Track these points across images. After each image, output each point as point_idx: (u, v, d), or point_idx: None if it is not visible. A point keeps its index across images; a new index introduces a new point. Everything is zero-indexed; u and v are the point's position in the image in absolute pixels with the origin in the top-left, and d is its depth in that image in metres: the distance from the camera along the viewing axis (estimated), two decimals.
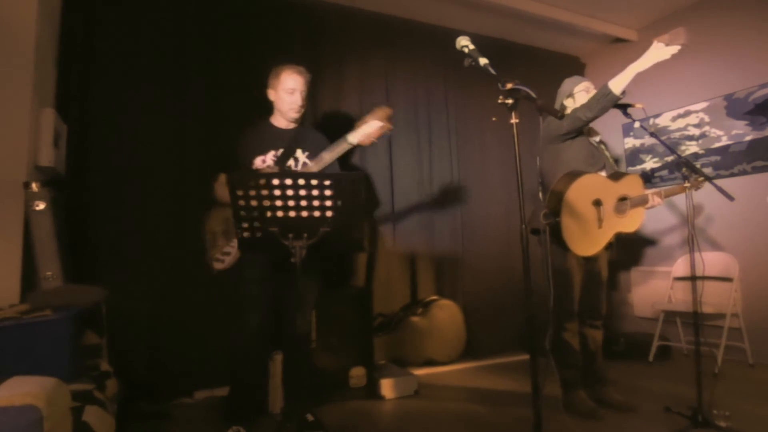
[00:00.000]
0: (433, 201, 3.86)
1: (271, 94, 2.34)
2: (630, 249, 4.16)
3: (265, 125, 2.39)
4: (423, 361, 3.43)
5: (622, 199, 2.42)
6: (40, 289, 2.04)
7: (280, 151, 2.31)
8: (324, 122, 3.48)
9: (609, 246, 2.44)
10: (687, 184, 2.32)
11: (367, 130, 2.09)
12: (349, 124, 3.57)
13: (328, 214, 1.70)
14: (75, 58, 2.74)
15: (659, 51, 2.17)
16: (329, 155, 2.13)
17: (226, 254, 2.27)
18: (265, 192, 1.64)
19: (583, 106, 2.37)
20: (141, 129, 2.92)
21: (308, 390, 2.40)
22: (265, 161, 2.29)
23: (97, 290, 2.09)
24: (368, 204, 3.53)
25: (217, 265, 2.28)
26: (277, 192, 1.65)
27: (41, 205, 2.08)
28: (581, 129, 2.41)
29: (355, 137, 2.13)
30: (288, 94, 2.26)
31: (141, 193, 2.87)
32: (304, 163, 2.31)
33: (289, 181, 1.64)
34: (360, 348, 2.90)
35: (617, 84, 2.27)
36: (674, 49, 2.13)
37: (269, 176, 1.64)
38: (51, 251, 2.09)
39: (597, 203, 2.35)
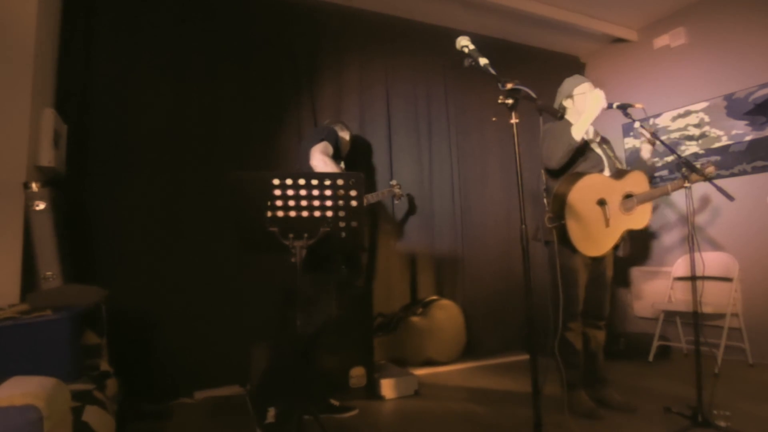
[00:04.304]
0: (433, 201, 3.86)
1: (347, 134, 2.81)
2: (630, 249, 4.15)
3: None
4: (423, 361, 3.43)
5: (627, 196, 2.42)
6: (40, 289, 2.04)
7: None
8: (323, 122, 3.47)
9: (617, 246, 2.44)
10: (687, 184, 2.31)
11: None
12: (349, 123, 3.59)
13: (328, 214, 1.70)
14: (75, 58, 2.74)
15: (597, 95, 2.34)
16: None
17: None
18: (277, 192, 1.66)
19: (551, 152, 2.39)
20: (140, 129, 2.92)
21: (315, 389, 2.44)
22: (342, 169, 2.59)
23: (97, 290, 2.09)
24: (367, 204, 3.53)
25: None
26: (277, 192, 1.65)
27: (41, 205, 2.08)
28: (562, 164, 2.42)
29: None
30: (346, 151, 2.82)
31: (141, 193, 2.87)
32: None
33: (289, 182, 1.64)
34: (360, 348, 2.90)
35: (578, 132, 2.33)
36: (601, 93, 2.35)
37: (269, 176, 1.65)
38: (51, 251, 2.10)
39: (601, 203, 2.35)
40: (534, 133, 2.37)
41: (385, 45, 3.81)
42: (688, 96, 3.87)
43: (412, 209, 3.79)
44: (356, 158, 3.52)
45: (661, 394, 2.68)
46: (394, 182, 3.31)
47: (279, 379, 2.34)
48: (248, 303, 3.01)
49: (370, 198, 3.05)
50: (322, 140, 2.39)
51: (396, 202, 3.32)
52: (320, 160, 2.32)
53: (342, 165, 2.63)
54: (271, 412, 2.21)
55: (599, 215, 2.35)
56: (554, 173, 2.46)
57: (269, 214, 1.69)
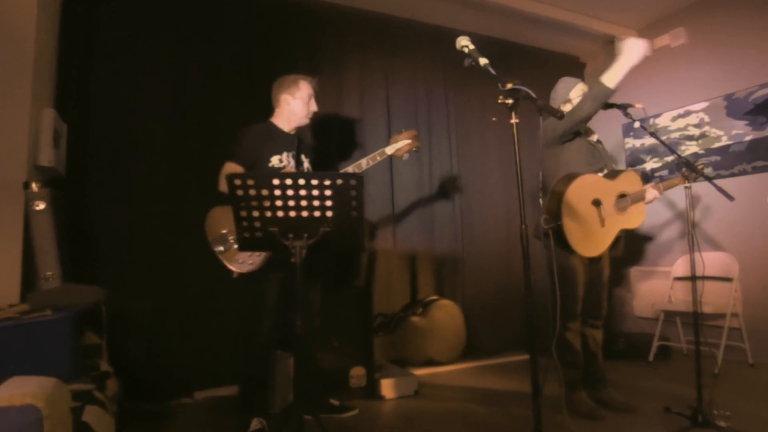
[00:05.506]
0: (433, 201, 3.86)
1: (285, 99, 2.42)
2: (630, 249, 4.16)
3: (272, 126, 2.44)
4: (423, 361, 3.43)
5: (622, 196, 2.43)
6: (40, 289, 2.04)
7: (291, 153, 2.41)
8: (324, 122, 3.47)
9: (614, 244, 2.44)
10: (687, 184, 2.32)
11: (400, 145, 2.42)
12: (349, 123, 3.61)
13: (328, 214, 1.70)
14: (75, 58, 2.74)
15: (636, 45, 2.21)
16: (366, 162, 2.36)
17: (254, 256, 2.24)
18: (265, 192, 1.65)
19: (577, 106, 2.38)
20: (141, 129, 2.92)
21: (314, 389, 2.44)
22: (282, 161, 2.37)
23: (97, 290, 2.08)
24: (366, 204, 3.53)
25: (242, 267, 2.23)
26: (277, 192, 1.65)
27: (41, 205, 2.08)
28: (578, 128, 2.41)
29: (390, 149, 2.42)
30: (307, 101, 2.43)
31: (141, 192, 2.87)
32: (308, 168, 2.50)
33: (289, 182, 1.64)
34: (360, 348, 2.90)
35: (611, 79, 2.24)
36: (643, 43, 2.20)
37: (270, 176, 1.64)
38: (51, 251, 2.09)
39: (596, 203, 2.35)
40: (534, 133, 2.37)
41: (385, 45, 3.81)
42: (688, 96, 3.87)
43: (443, 192, 3.80)
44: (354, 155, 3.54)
45: (661, 394, 2.68)
46: (402, 133, 2.47)
47: (261, 388, 2.35)
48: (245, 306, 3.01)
49: (364, 163, 2.38)
50: (225, 162, 2.29)
51: (404, 159, 2.48)
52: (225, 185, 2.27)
53: (276, 160, 2.33)
54: (255, 423, 2.18)
55: (594, 215, 2.35)
56: (551, 170, 2.46)
57: (269, 214, 1.69)
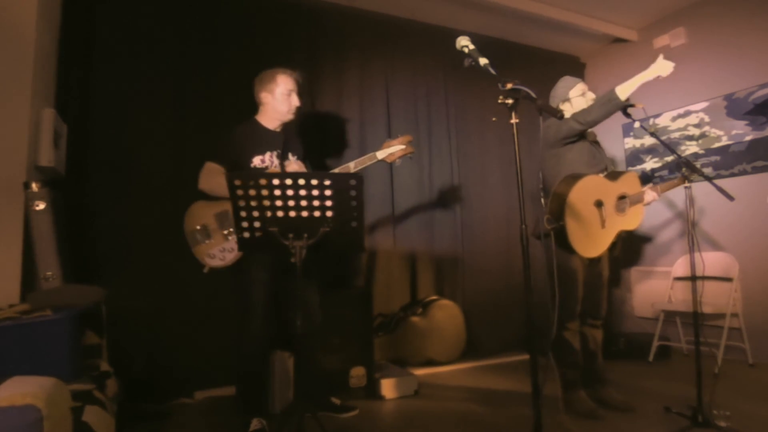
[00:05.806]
0: (433, 201, 3.86)
1: (266, 97, 2.40)
2: (630, 249, 4.16)
3: (257, 125, 2.41)
4: (423, 361, 3.43)
5: (621, 197, 2.43)
6: (40, 289, 2.04)
7: (276, 152, 2.37)
8: (324, 122, 3.48)
9: (612, 245, 2.44)
10: (687, 184, 2.33)
11: (392, 150, 2.35)
12: (349, 123, 3.61)
13: (328, 214, 1.70)
14: (75, 58, 2.74)
15: (664, 65, 2.29)
16: (355, 164, 2.31)
17: (226, 251, 2.24)
18: (265, 192, 1.65)
19: (584, 111, 2.38)
20: (141, 129, 2.92)
21: (314, 388, 2.42)
22: (264, 161, 2.33)
23: (97, 290, 2.08)
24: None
25: (212, 262, 2.24)
26: (277, 192, 1.65)
27: (41, 205, 2.08)
28: (581, 133, 2.42)
29: (381, 154, 2.36)
30: (287, 96, 2.38)
31: (141, 193, 2.87)
32: None
33: (289, 181, 1.64)
34: (360, 348, 2.90)
35: (624, 91, 2.29)
36: (672, 66, 2.30)
37: (269, 176, 1.64)
38: (51, 251, 2.09)
39: (598, 204, 2.35)
40: (534, 133, 2.37)
41: (385, 45, 3.81)
42: (688, 96, 3.87)
43: (443, 201, 3.78)
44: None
45: (661, 394, 2.68)
46: (397, 138, 2.38)
47: (259, 388, 2.34)
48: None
49: (353, 166, 2.33)
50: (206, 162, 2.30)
51: (396, 164, 2.40)
52: (205, 183, 2.28)
53: (258, 160, 2.31)
54: (255, 423, 2.17)
55: (596, 216, 2.36)
56: (552, 171, 2.46)
57: (269, 214, 1.69)
